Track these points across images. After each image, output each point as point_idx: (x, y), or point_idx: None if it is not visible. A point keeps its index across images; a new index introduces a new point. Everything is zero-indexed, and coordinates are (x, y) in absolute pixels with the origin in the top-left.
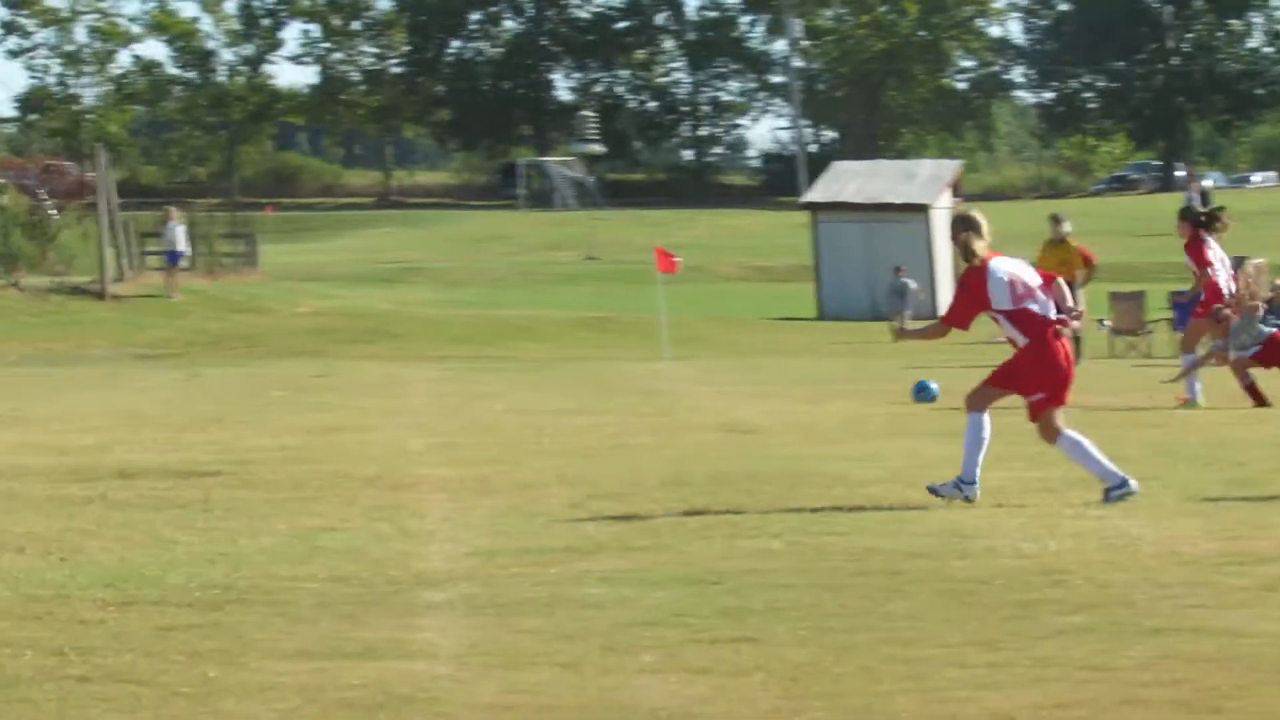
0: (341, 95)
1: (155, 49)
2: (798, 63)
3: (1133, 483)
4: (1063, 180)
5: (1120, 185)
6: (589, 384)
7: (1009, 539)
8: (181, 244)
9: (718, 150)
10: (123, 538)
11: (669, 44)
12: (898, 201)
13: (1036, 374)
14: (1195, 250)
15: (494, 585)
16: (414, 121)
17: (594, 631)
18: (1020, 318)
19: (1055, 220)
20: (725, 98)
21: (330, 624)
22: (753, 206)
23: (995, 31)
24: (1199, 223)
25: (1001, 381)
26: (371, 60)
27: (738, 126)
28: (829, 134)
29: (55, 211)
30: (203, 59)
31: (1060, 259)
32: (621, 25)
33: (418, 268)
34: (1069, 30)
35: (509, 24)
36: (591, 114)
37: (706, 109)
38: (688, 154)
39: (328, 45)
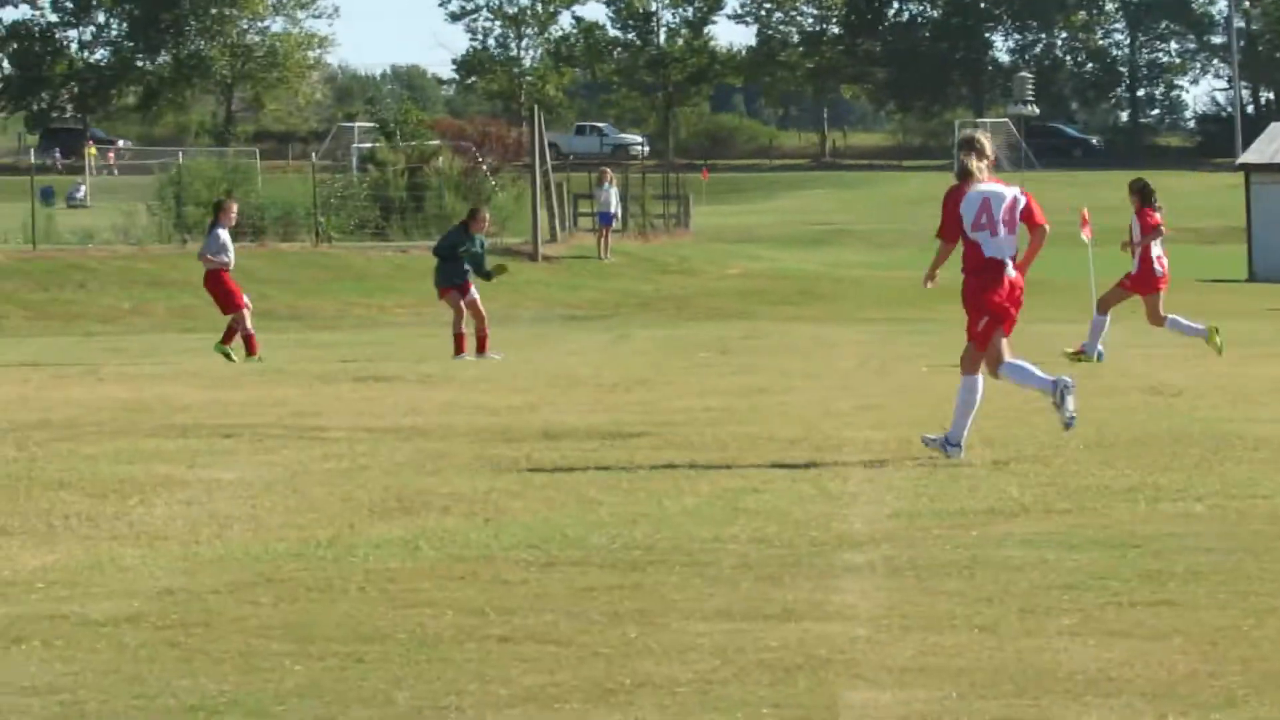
0: (779, 56)
1: (595, 10)
2: (1239, 23)
3: None
4: None
5: None
6: (1016, 346)
7: None
8: (614, 205)
9: (1154, 111)
10: (547, 498)
11: (1110, 5)
12: None
13: (979, 301)
14: None
15: (914, 547)
16: (851, 82)
17: (1013, 594)
18: (969, 246)
19: None
20: (1164, 59)
21: (750, 585)
22: (1186, 168)
23: None
24: None
25: (975, 330)
26: (811, 21)
27: (1175, 88)
28: (1268, 95)
29: (491, 173)
30: (643, 20)
31: None
32: None
33: (847, 229)
34: None
35: None
36: (1029, 75)
37: (1144, 70)
38: (1123, 115)
39: (769, 5)
